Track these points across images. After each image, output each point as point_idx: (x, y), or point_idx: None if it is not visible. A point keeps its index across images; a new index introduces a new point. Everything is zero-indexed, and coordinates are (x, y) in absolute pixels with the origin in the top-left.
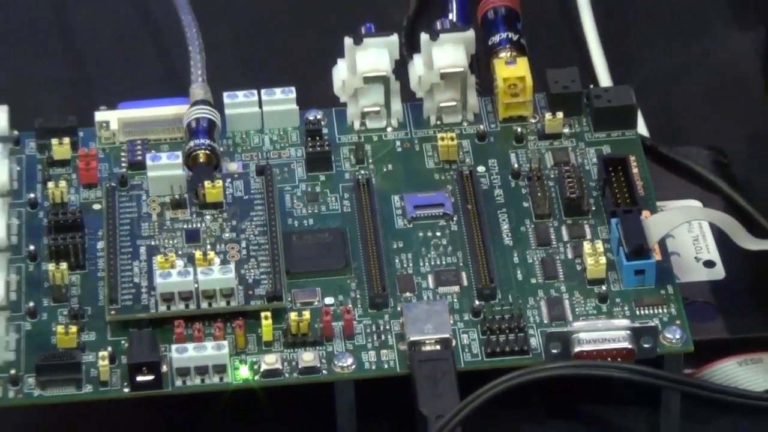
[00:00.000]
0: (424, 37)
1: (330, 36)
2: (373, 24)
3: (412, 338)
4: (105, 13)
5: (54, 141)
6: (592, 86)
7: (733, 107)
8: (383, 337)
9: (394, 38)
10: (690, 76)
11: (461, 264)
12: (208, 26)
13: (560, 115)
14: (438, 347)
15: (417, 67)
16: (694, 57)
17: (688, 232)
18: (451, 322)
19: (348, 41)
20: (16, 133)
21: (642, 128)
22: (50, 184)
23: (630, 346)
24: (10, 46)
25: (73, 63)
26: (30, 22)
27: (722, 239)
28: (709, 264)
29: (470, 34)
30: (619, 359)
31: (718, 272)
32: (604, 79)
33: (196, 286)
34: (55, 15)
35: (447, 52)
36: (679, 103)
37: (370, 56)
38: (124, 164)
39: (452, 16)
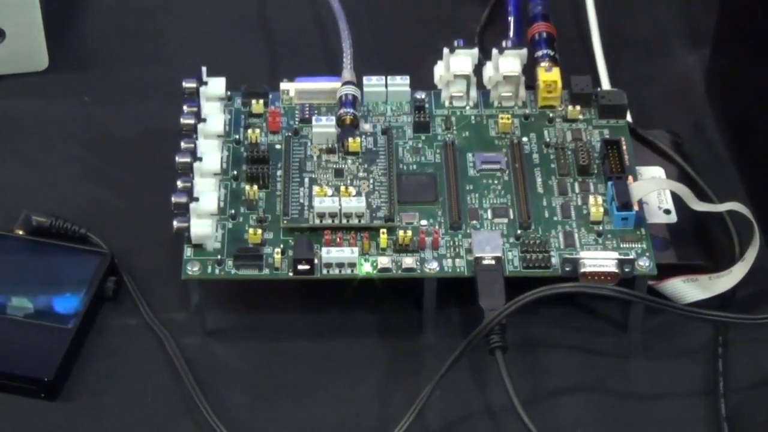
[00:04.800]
0: (495, 51)
1: (432, 43)
2: (462, 39)
3: (476, 255)
4: (289, 11)
5: (253, 101)
6: (599, 89)
7: (684, 104)
8: (457, 250)
9: (475, 50)
10: (656, 80)
11: (509, 204)
12: (355, 29)
13: (578, 107)
14: (493, 262)
15: (488, 69)
16: (659, 67)
17: None
18: (501, 243)
19: (446, 50)
20: (229, 93)
21: (627, 116)
22: (249, 131)
23: (616, 271)
24: (225, 32)
25: (268, 47)
26: (236, 15)
27: (676, 195)
28: (667, 212)
29: (524, 51)
30: (609, 278)
31: (672, 218)
32: (605, 82)
33: (340, 208)
34: (258, 9)
35: (509, 62)
36: (651, 99)
37: (459, 61)
38: (297, 119)
39: (510, 34)
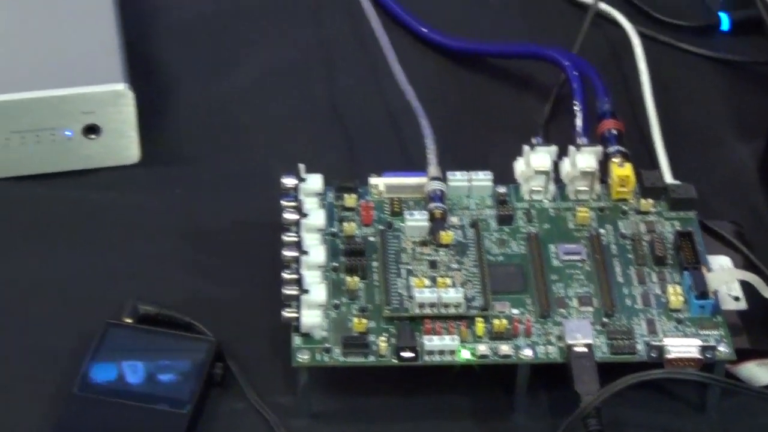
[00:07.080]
0: (572, 148)
1: (508, 141)
2: (540, 137)
3: (569, 342)
4: (363, 102)
5: (345, 195)
6: (670, 182)
7: (739, 194)
8: (548, 338)
9: (554, 148)
10: (712, 172)
11: (593, 292)
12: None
13: (650, 200)
14: (585, 349)
15: (566, 165)
16: (714, 158)
17: None
18: (592, 331)
19: (526, 147)
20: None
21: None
22: (345, 224)
23: (699, 357)
24: (302, 125)
25: (354, 144)
26: (312, 106)
27: (744, 283)
28: (736, 299)
29: (599, 149)
30: (692, 363)
31: (743, 304)
32: (667, 175)
33: (439, 298)
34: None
35: (585, 158)
36: (708, 190)
37: (539, 157)
38: (387, 212)
39: (580, 129)
